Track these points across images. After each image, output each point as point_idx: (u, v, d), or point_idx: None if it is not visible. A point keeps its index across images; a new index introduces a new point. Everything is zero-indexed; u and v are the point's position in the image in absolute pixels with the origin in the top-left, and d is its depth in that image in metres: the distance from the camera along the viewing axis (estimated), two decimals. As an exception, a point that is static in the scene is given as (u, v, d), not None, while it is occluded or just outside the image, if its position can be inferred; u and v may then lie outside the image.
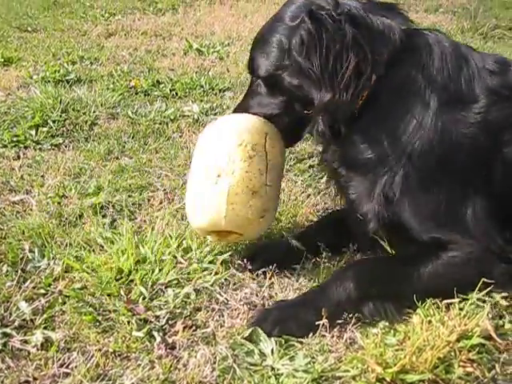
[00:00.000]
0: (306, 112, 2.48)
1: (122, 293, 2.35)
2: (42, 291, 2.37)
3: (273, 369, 2.04)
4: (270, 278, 2.50)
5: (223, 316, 2.29)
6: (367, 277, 2.37)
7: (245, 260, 2.55)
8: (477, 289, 2.19)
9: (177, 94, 4.79)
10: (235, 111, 2.75)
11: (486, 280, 2.23)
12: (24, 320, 2.21)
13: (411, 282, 2.32)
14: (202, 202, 2.45)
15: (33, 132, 3.86)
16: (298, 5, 2.48)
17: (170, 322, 2.23)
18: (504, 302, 2.36)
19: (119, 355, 2.09)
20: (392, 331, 2.20)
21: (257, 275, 2.53)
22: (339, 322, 2.23)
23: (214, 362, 2.05)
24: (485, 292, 2.22)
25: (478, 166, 2.38)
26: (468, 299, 2.21)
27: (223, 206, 2.38)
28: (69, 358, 2.06)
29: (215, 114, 4.35)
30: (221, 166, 2.41)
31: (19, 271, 2.44)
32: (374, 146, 2.40)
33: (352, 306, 2.26)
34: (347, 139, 2.47)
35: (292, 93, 2.47)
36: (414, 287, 2.31)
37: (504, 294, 2.37)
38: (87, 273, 2.46)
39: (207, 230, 2.52)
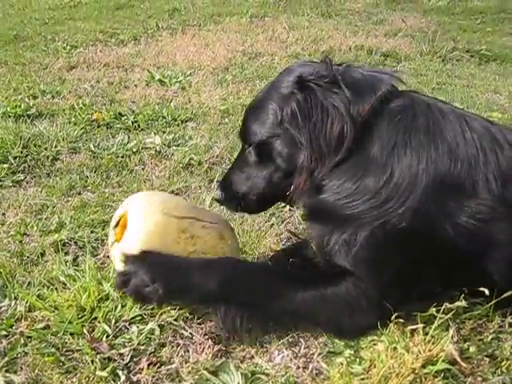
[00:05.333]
0: (287, 193, 2.50)
1: (85, 331, 2.31)
2: (4, 333, 2.33)
3: (239, 403, 2.03)
4: (234, 310, 2.48)
5: (188, 351, 2.26)
6: (237, 280, 2.30)
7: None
8: (441, 311, 2.20)
9: (139, 125, 4.77)
10: (223, 181, 2.75)
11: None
12: (-15, 363, 2.17)
13: (283, 301, 2.27)
14: None
15: (-7, 169, 3.82)
16: (295, 74, 2.47)
17: (134, 359, 2.21)
18: (468, 325, 2.38)
19: (83, 396, 2.06)
20: (357, 359, 2.20)
21: (221, 308, 2.51)
22: (304, 352, 2.25)
23: (180, 399, 2.04)
24: (450, 315, 2.22)
25: (445, 257, 2.28)
26: (432, 323, 2.22)
27: None
28: (31, 402, 2.03)
29: (178, 145, 4.35)
30: None
31: (-20, 313, 2.40)
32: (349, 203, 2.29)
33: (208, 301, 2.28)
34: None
35: (280, 164, 2.48)
36: (284, 308, 2.27)
37: (468, 315, 2.41)
38: (50, 311, 2.42)
39: None
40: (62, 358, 2.19)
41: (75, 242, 3.00)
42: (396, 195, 2.21)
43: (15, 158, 3.97)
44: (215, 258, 2.38)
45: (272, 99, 2.49)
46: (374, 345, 2.24)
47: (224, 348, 2.28)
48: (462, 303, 2.26)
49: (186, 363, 2.20)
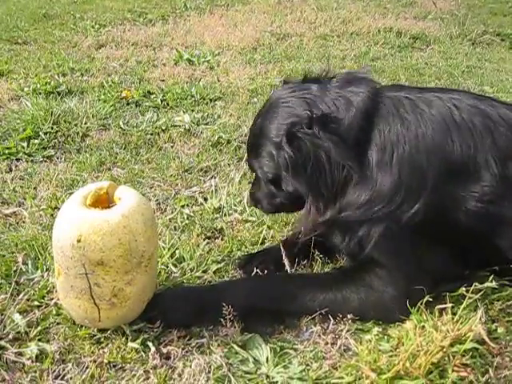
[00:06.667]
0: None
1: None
2: (36, 303, 2.37)
3: (267, 377, 2.05)
4: (263, 286, 2.50)
5: (217, 325, 2.28)
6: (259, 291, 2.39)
7: (237, 268, 2.59)
8: (470, 292, 2.20)
9: (168, 104, 4.79)
10: (251, 194, 2.82)
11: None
12: (18, 332, 2.20)
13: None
14: None
15: (24, 144, 3.86)
16: (278, 120, 2.43)
17: (164, 331, 2.23)
18: (497, 306, 2.38)
19: (114, 366, 2.09)
20: (385, 337, 2.22)
21: (250, 283, 2.53)
22: (332, 328, 2.27)
23: (209, 371, 2.06)
24: (478, 296, 2.22)
25: (460, 239, 2.31)
26: (461, 304, 2.22)
27: None
28: (64, 370, 2.07)
29: (206, 124, 4.37)
30: None
31: (13, 284, 2.43)
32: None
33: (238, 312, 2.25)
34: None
35: (289, 193, 2.51)
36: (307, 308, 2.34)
37: (496, 296, 2.41)
38: (81, 284, 2.45)
39: None
40: (94, 329, 2.22)
41: (105, 218, 3.02)
42: (408, 196, 2.25)
43: (46, 133, 4.02)
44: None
45: (266, 145, 2.47)
46: (402, 323, 2.25)
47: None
48: (492, 284, 2.27)
49: (215, 336, 2.22)
